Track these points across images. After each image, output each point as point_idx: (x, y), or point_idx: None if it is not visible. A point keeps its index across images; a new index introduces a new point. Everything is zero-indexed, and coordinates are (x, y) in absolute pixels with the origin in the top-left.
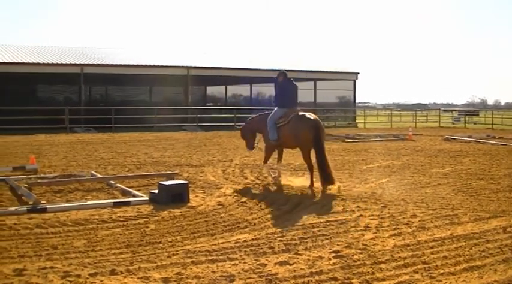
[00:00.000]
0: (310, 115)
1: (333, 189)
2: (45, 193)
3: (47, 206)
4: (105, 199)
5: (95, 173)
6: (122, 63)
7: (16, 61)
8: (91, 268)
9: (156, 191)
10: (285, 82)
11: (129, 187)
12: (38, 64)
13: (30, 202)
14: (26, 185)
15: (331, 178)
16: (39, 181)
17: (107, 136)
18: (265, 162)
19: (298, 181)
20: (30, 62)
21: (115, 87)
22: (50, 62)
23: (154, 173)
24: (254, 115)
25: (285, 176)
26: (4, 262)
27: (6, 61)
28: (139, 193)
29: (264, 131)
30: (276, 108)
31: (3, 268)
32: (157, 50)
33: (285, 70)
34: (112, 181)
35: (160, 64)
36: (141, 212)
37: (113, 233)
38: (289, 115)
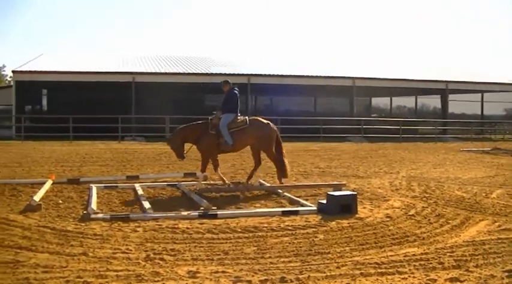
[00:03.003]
0: (264, 120)
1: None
2: (214, 200)
3: (218, 212)
4: (273, 207)
5: (262, 181)
6: (287, 74)
7: (185, 72)
8: (261, 274)
9: (324, 201)
10: (231, 90)
11: (297, 197)
12: (206, 74)
13: (202, 208)
14: (197, 191)
15: (287, 173)
16: (209, 187)
17: None
18: (203, 170)
19: None
20: (198, 72)
21: (280, 97)
22: (217, 72)
23: (321, 183)
24: (183, 126)
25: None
26: (179, 263)
27: (176, 72)
28: (307, 203)
29: (203, 139)
30: (224, 115)
31: (178, 269)
32: (323, 59)
33: (452, 81)
34: (280, 190)
35: (325, 74)
36: (309, 221)
37: (281, 242)
38: (237, 120)
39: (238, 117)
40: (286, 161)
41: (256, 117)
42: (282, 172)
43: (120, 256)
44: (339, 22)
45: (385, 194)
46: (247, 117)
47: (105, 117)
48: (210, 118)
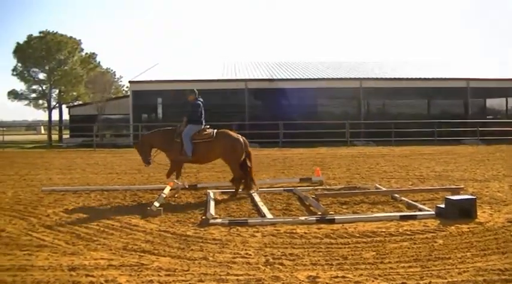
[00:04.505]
0: (232, 133)
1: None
2: (331, 204)
3: (335, 217)
4: (391, 212)
5: (379, 186)
6: (399, 77)
7: (296, 77)
8: (381, 279)
9: (442, 205)
10: (194, 101)
11: (414, 201)
12: (320, 79)
13: (319, 213)
14: (313, 196)
15: (251, 187)
16: (325, 192)
17: (387, 150)
18: (177, 177)
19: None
20: (311, 77)
21: (392, 100)
22: (331, 77)
23: (439, 187)
24: (151, 131)
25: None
26: (298, 268)
27: (287, 77)
28: (425, 207)
29: (169, 147)
30: (189, 125)
31: (298, 274)
32: (435, 61)
33: None
34: (397, 195)
35: (438, 77)
36: (427, 226)
37: (401, 247)
38: (204, 132)
39: (206, 129)
40: (252, 177)
41: (225, 130)
42: (250, 184)
43: (239, 261)
44: (451, 23)
45: (505, 198)
46: (215, 130)
47: (221, 124)
48: (178, 125)
